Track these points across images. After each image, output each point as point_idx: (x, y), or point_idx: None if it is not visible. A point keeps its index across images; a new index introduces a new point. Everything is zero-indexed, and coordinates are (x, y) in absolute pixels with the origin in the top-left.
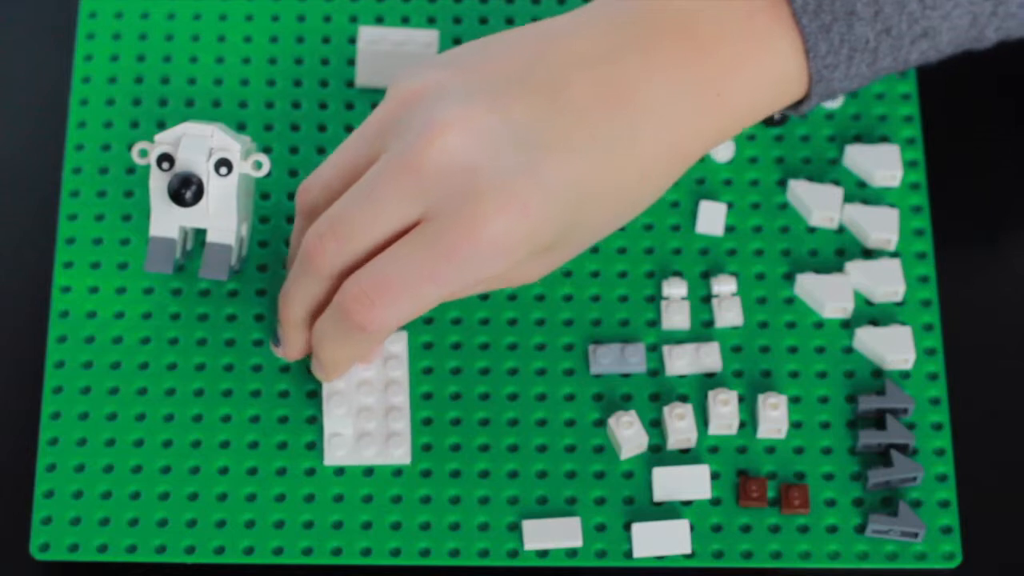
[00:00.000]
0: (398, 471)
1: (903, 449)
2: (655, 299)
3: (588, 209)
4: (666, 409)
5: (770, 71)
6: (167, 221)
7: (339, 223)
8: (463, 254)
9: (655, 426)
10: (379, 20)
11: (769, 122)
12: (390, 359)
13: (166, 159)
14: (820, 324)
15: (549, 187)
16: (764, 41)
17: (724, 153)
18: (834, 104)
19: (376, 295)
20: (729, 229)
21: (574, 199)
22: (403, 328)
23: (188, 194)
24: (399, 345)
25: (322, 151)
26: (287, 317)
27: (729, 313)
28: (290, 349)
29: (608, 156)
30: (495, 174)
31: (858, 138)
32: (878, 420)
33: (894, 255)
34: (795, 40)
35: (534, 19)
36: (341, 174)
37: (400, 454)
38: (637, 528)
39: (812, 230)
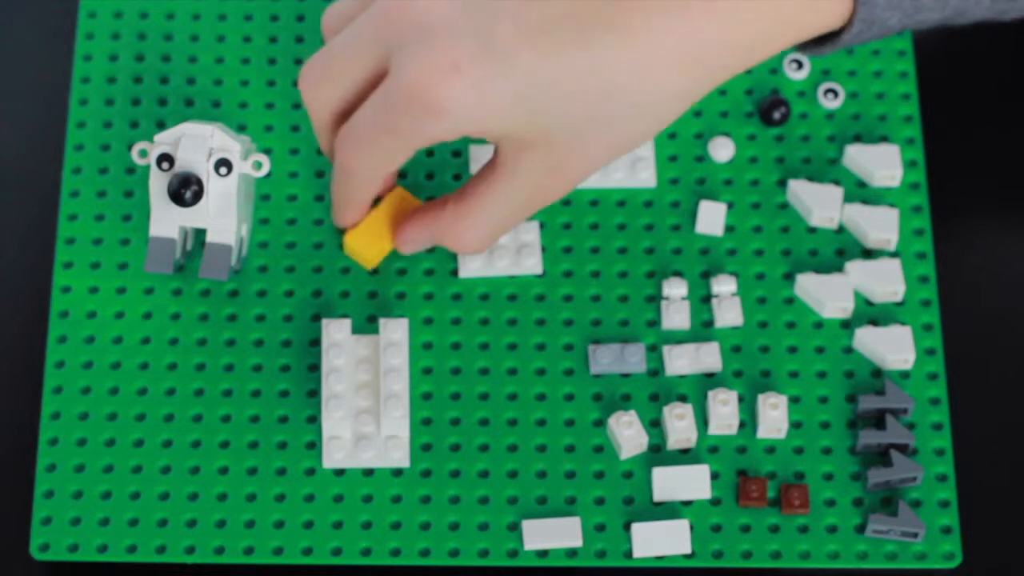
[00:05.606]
0: (398, 471)
1: (903, 449)
2: (655, 299)
3: (565, 105)
4: (666, 409)
5: None
6: (167, 221)
7: (318, 61)
8: (412, 111)
9: (655, 426)
10: None
11: (770, 120)
12: (390, 360)
13: (166, 159)
14: (820, 324)
15: (503, 63)
16: None
17: (724, 153)
18: (834, 104)
19: (350, 142)
20: (729, 229)
21: (536, 87)
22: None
23: (188, 194)
24: (399, 351)
25: (322, 152)
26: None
27: (729, 313)
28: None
29: (591, 48)
30: (452, 34)
31: (858, 138)
32: (878, 420)
33: (894, 255)
34: None
35: None
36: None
37: (398, 457)
38: (637, 528)
39: (812, 230)
